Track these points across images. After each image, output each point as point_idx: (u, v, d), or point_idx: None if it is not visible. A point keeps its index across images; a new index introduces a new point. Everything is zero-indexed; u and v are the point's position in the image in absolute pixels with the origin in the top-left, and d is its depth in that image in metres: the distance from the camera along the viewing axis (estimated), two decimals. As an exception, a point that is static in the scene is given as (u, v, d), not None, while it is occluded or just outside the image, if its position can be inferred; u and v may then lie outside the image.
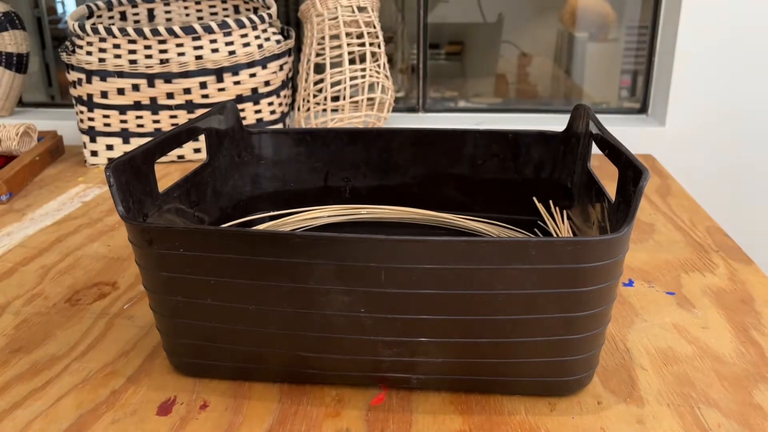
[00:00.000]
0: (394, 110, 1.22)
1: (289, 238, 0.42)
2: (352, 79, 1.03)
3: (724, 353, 0.51)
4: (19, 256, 0.71)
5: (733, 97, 1.07)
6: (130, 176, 0.49)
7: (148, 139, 0.97)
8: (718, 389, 0.47)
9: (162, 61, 0.96)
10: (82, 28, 0.95)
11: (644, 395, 0.47)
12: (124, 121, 1.00)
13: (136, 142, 1.01)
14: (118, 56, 0.96)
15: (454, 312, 0.43)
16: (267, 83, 1.00)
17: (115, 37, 0.95)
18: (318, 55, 1.05)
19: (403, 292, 0.42)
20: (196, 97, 0.99)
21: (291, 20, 1.27)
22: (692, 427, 0.43)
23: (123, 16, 1.10)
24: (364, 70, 1.03)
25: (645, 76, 1.17)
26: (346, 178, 0.70)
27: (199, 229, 0.44)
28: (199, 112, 0.99)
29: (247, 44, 0.97)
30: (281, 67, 1.01)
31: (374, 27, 1.04)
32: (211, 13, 1.14)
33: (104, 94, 0.98)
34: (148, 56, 0.96)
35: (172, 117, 1.00)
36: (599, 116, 1.03)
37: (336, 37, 1.04)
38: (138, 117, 1.00)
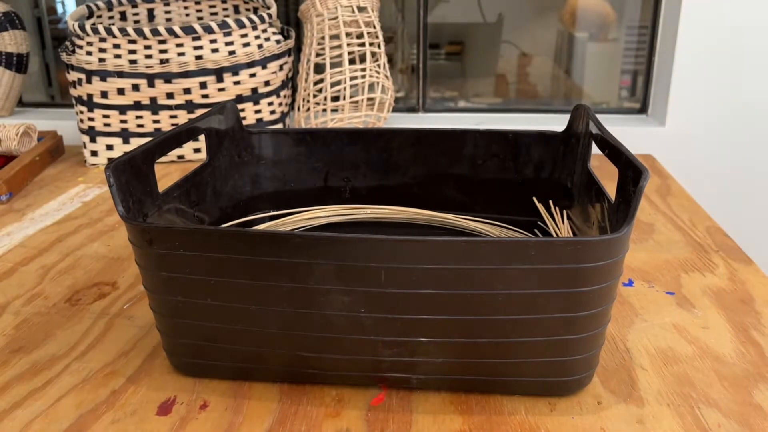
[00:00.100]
0: (394, 110, 1.22)
1: (289, 238, 0.42)
2: (352, 79, 1.03)
3: (724, 353, 0.51)
4: (19, 256, 0.71)
5: (733, 97, 1.07)
6: (130, 176, 0.49)
7: (148, 139, 0.97)
8: (718, 389, 0.47)
9: (162, 61, 0.96)
10: (82, 28, 0.95)
11: (644, 395, 0.47)
12: (124, 121, 1.00)
13: (136, 142, 1.01)
14: (118, 56, 0.96)
15: (454, 312, 0.43)
16: (267, 83, 1.00)
17: (115, 37, 0.95)
18: (318, 55, 1.05)
19: (403, 292, 0.42)
20: (196, 97, 0.99)
21: (291, 20, 1.27)
22: (692, 427, 0.44)
23: (123, 16, 1.10)
24: (364, 70, 1.03)
25: (645, 76, 1.17)
26: (346, 178, 0.70)
27: (199, 229, 0.44)
28: (199, 112, 0.99)
29: (247, 44, 0.97)
30: (281, 67, 1.01)
31: (374, 27, 1.04)
32: (211, 13, 1.14)
33: (104, 94, 0.98)
34: (148, 56, 0.96)
35: (172, 117, 1.00)
36: (599, 116, 1.03)
37: (336, 37, 1.04)
38: (138, 117, 1.00)
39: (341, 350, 0.45)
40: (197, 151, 1.03)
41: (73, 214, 0.83)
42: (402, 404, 0.46)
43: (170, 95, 0.98)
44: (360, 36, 1.05)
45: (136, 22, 1.11)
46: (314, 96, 1.05)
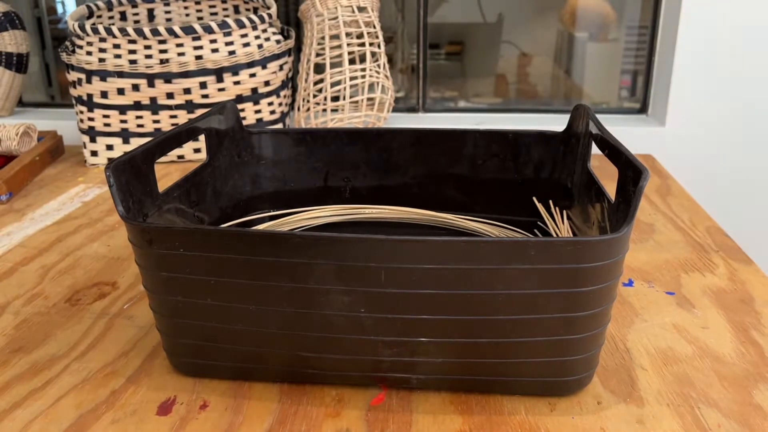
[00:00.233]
0: (394, 110, 1.22)
1: (289, 238, 0.42)
2: (352, 79, 1.03)
3: (724, 353, 0.51)
4: (19, 256, 0.71)
5: (733, 96, 1.07)
6: (130, 176, 0.49)
7: (148, 139, 0.97)
8: (718, 389, 0.47)
9: (162, 61, 0.96)
10: (82, 28, 0.95)
11: (644, 395, 0.47)
12: (124, 121, 1.00)
13: (136, 142, 1.01)
14: (118, 56, 0.96)
15: (454, 312, 0.43)
16: (267, 83, 1.00)
17: (115, 37, 0.95)
18: (318, 55, 1.05)
19: (403, 292, 0.42)
20: (196, 97, 0.99)
21: (291, 20, 1.27)
22: (692, 427, 0.44)
23: (123, 16, 1.10)
24: (364, 70, 1.03)
25: (645, 76, 1.17)
26: (346, 178, 0.70)
27: (199, 229, 0.44)
28: (199, 112, 0.99)
29: (247, 44, 0.97)
30: (281, 67, 1.01)
31: (374, 27, 1.04)
32: (211, 13, 1.14)
33: (104, 94, 0.98)
34: (148, 56, 0.96)
35: (172, 117, 1.00)
36: (599, 116, 1.03)
37: (336, 37, 1.04)
38: (138, 117, 1.00)
39: (341, 350, 0.45)
40: (197, 151, 1.03)
41: (73, 214, 0.83)
42: (402, 404, 0.46)
43: (170, 95, 0.98)
44: (360, 36, 1.05)
45: (136, 22, 1.11)
46: (314, 96, 1.05)
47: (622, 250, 0.42)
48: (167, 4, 1.12)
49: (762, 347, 0.52)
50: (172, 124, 1.01)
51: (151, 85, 0.97)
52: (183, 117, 1.00)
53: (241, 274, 0.43)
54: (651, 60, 1.15)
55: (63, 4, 1.35)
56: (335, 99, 1.10)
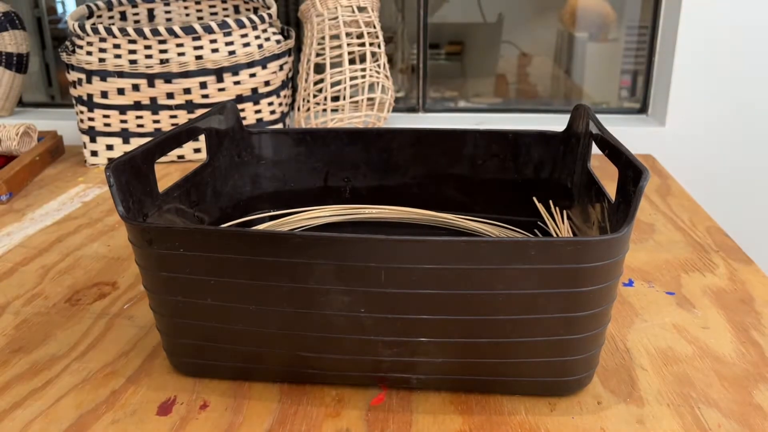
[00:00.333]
0: (394, 110, 1.22)
1: (289, 238, 0.42)
2: (352, 79, 1.03)
3: (724, 353, 0.51)
4: (19, 256, 0.71)
5: (733, 96, 1.07)
6: (130, 176, 0.49)
7: (148, 139, 0.97)
8: (718, 389, 0.47)
9: (162, 61, 0.96)
10: (82, 28, 0.95)
11: (644, 395, 0.47)
12: (124, 121, 1.00)
13: (136, 142, 1.01)
14: (118, 56, 0.96)
15: (454, 312, 0.43)
16: (267, 83, 1.00)
17: (115, 37, 0.95)
18: (318, 55, 1.05)
19: (403, 292, 0.42)
20: (196, 97, 0.99)
21: (291, 20, 1.27)
22: (692, 427, 0.44)
23: (123, 16, 1.10)
24: (364, 70, 1.03)
25: (645, 76, 1.17)
26: (346, 178, 0.70)
27: (199, 229, 0.44)
28: (199, 112, 0.99)
29: (247, 44, 0.97)
30: (281, 67, 1.01)
31: (374, 27, 1.04)
32: (211, 13, 1.14)
33: (104, 94, 0.98)
34: (148, 56, 0.96)
35: (172, 117, 1.00)
36: (599, 116, 1.03)
37: (336, 37, 1.04)
38: (138, 117, 1.00)
39: (341, 350, 0.45)
40: (197, 151, 1.03)
41: (73, 214, 0.83)
42: (402, 404, 0.46)
43: (170, 95, 0.98)
44: (360, 36, 1.05)
45: (136, 22, 1.11)
46: (314, 96, 1.05)
47: (622, 250, 0.42)
48: (167, 4, 1.12)
49: (762, 347, 0.52)
50: (172, 124, 1.01)
51: (151, 85, 0.97)
52: (183, 117, 1.00)
53: (241, 274, 0.43)
54: (651, 60, 1.15)
55: (63, 4, 1.35)
56: (335, 99, 1.10)
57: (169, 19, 1.12)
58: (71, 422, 0.45)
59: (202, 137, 0.66)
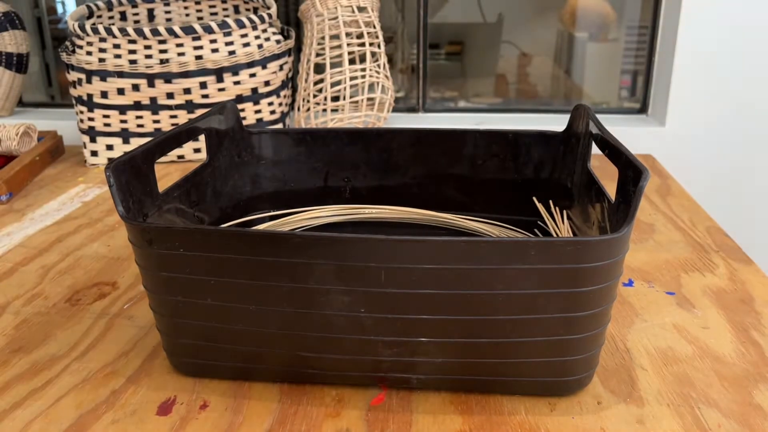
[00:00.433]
0: (394, 110, 1.22)
1: (289, 238, 0.42)
2: (352, 79, 1.03)
3: (724, 353, 0.51)
4: (19, 256, 0.71)
5: (733, 96, 1.07)
6: (130, 176, 0.49)
7: (148, 139, 0.97)
8: (718, 389, 0.47)
9: (162, 61, 0.96)
10: (82, 28, 0.95)
11: (644, 395, 0.47)
12: (124, 121, 1.00)
13: (136, 142, 1.01)
14: (118, 56, 0.96)
15: (454, 312, 0.43)
16: (267, 83, 1.00)
17: (115, 37, 0.95)
18: (318, 55, 1.05)
19: (403, 292, 0.42)
20: (196, 97, 0.99)
21: (291, 20, 1.27)
22: (692, 427, 0.44)
23: (123, 16, 1.10)
24: (364, 70, 1.03)
25: (645, 76, 1.17)
26: (346, 178, 0.70)
27: (199, 229, 0.44)
28: (199, 112, 0.99)
29: (247, 44, 0.97)
30: (281, 67, 1.01)
31: (374, 27, 1.04)
32: (211, 13, 1.14)
33: (104, 94, 0.98)
34: (148, 56, 0.96)
35: (172, 117, 1.00)
36: (599, 116, 1.03)
37: (336, 37, 1.04)
38: (138, 117, 1.00)
39: (341, 350, 0.45)
40: (197, 151, 1.03)
41: (73, 214, 0.83)
42: (402, 404, 0.46)
43: (170, 95, 0.98)
44: (360, 36, 1.05)
45: (136, 22, 1.11)
46: (314, 96, 1.05)
47: (622, 250, 0.42)
48: (167, 4, 1.12)
49: (762, 347, 0.52)
50: (172, 124, 1.01)
51: (151, 85, 0.97)
52: (183, 117, 1.00)
53: (241, 274, 0.43)
54: (651, 60, 1.15)
55: (63, 4, 1.35)
56: (335, 99, 1.10)
57: (169, 19, 1.12)
58: (71, 422, 0.45)
59: (202, 137, 0.66)
